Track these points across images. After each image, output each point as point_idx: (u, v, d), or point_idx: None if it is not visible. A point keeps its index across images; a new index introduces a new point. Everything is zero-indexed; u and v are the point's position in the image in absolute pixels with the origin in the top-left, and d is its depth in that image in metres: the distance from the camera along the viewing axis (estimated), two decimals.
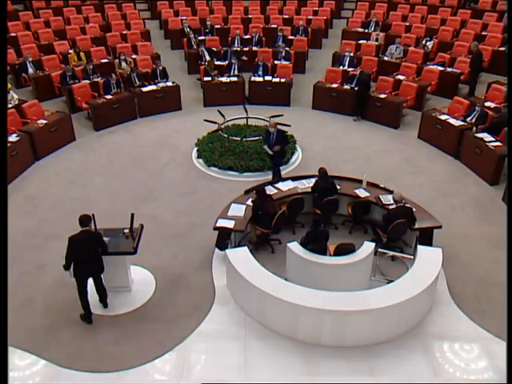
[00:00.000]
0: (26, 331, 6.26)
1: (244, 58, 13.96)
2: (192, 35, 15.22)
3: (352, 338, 6.10)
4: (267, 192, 7.89)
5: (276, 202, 7.89)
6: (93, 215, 6.44)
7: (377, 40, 15.03)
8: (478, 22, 15.35)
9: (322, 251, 6.75)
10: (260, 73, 13.27)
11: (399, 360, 5.94)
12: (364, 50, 14.66)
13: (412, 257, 7.03)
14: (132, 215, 6.67)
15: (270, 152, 9.15)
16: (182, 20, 16.29)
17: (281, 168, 9.54)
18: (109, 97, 11.94)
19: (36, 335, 6.23)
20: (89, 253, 6.13)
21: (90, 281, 6.37)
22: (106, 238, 6.42)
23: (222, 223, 7.42)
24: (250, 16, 17.09)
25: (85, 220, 6.09)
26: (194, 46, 15.01)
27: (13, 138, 9.75)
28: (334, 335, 6.09)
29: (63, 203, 8.94)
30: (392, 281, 6.53)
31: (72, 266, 6.10)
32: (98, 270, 6.35)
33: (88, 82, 12.53)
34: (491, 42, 14.32)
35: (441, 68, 13.10)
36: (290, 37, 15.53)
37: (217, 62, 13.52)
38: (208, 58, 14.03)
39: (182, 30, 15.87)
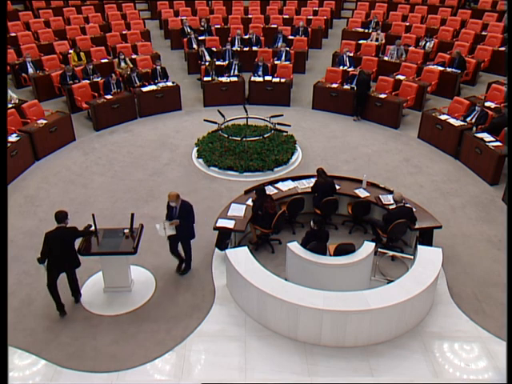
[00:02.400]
0: (25, 331, 6.26)
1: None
2: (193, 35, 15.21)
3: (352, 338, 6.10)
4: (267, 192, 7.89)
5: (276, 202, 7.89)
6: (93, 215, 6.46)
7: (377, 40, 15.03)
8: (478, 22, 15.38)
9: (322, 251, 6.74)
10: (260, 73, 13.26)
11: (399, 360, 5.94)
12: (364, 49, 14.66)
13: (412, 257, 7.03)
14: (132, 215, 6.67)
15: (167, 233, 6.75)
16: (182, 20, 16.32)
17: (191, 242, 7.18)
18: (109, 97, 11.93)
19: (36, 335, 6.23)
20: (64, 248, 6.19)
21: (93, 278, 6.40)
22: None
23: (222, 223, 7.43)
24: (250, 16, 17.12)
25: (60, 216, 6.16)
26: (195, 46, 15.02)
27: (13, 138, 9.76)
28: (334, 335, 6.09)
29: (63, 203, 8.92)
30: (392, 281, 6.53)
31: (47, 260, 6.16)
32: (73, 265, 6.41)
33: (88, 81, 12.53)
34: (491, 42, 14.34)
35: (441, 68, 13.10)
36: (290, 37, 15.54)
37: (217, 62, 13.52)
38: (208, 57, 14.05)
39: (182, 30, 15.88)
